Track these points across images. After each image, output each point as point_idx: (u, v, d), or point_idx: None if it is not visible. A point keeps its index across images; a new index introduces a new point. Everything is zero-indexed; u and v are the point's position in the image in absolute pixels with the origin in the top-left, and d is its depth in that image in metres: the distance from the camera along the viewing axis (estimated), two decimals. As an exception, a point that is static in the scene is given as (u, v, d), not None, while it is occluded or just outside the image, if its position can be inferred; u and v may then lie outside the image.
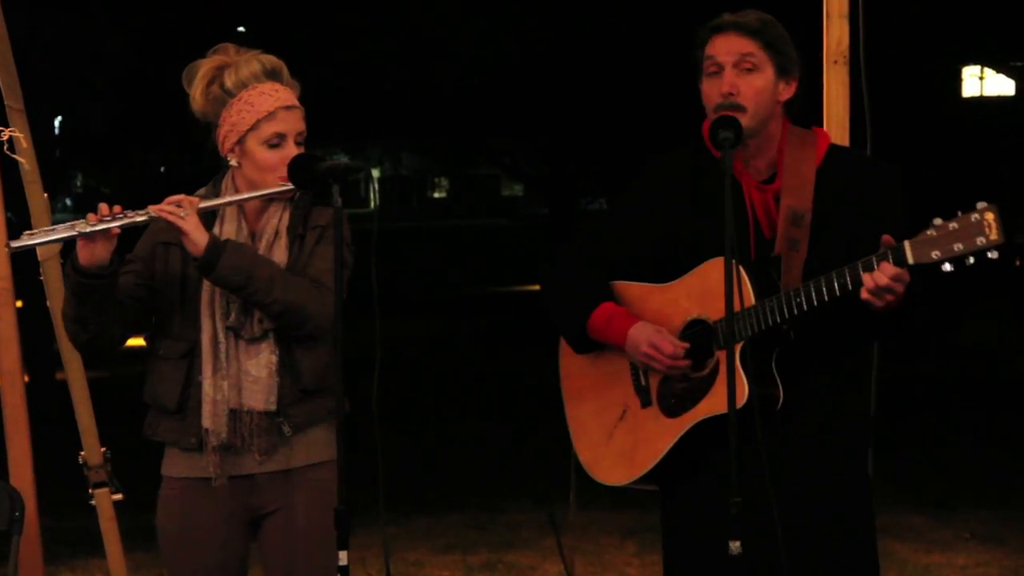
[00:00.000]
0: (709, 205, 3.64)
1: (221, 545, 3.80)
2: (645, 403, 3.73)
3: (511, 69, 17.92)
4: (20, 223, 5.45)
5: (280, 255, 3.75)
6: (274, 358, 3.71)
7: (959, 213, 3.36)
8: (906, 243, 3.39)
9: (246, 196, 3.74)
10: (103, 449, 4.73)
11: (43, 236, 3.65)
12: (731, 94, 3.62)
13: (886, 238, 3.41)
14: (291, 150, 3.73)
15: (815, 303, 3.48)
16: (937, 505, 8.86)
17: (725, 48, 3.65)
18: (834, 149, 3.74)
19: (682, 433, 3.64)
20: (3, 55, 4.52)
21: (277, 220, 3.78)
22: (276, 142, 3.73)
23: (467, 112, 20.41)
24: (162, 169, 20.13)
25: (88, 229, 3.56)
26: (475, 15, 16.78)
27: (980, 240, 3.32)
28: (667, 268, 3.72)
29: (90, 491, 4.75)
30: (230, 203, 3.75)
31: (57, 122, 17.59)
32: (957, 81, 25.21)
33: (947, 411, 13.25)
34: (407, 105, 19.82)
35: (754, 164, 3.69)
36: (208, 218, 3.76)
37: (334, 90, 18.00)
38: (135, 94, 15.50)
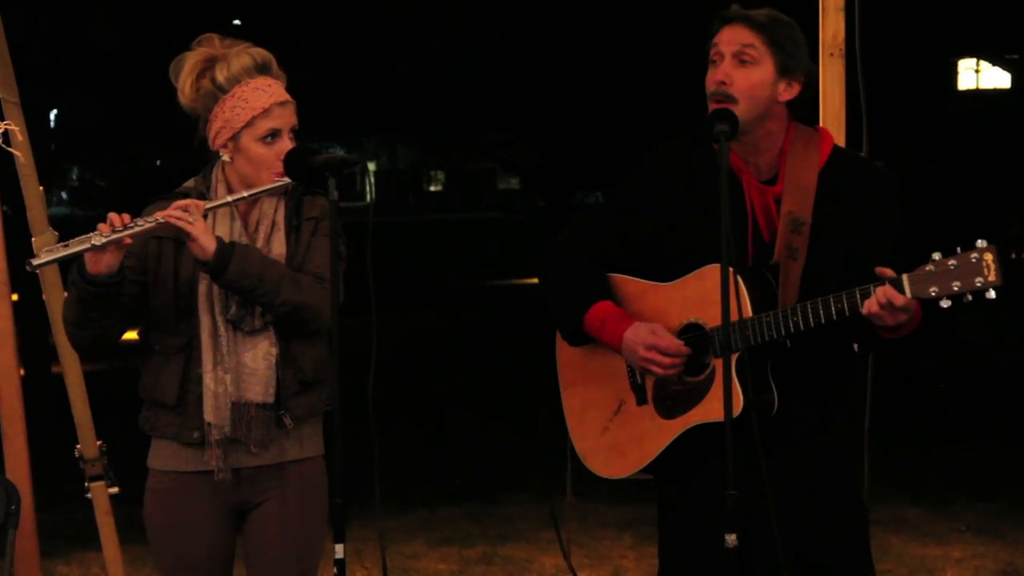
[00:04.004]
0: (705, 199, 3.61)
1: (211, 538, 3.81)
2: (640, 400, 3.72)
3: (507, 63, 17.91)
4: (16, 216, 5.46)
5: (279, 247, 3.75)
6: (274, 350, 3.72)
7: (958, 249, 3.37)
8: (904, 277, 3.39)
9: (246, 194, 3.73)
10: (99, 443, 4.73)
11: (61, 251, 3.63)
12: (724, 83, 3.60)
13: (881, 270, 3.41)
14: (285, 144, 3.74)
15: (812, 324, 3.48)
16: (933, 498, 8.86)
17: (728, 38, 3.63)
18: (837, 152, 3.70)
19: (677, 435, 3.63)
20: (-1, 48, 4.52)
21: (273, 211, 3.78)
22: (271, 138, 3.74)
23: (463, 106, 20.38)
24: (158, 162, 20.08)
25: (103, 241, 3.56)
26: (471, 8, 16.77)
27: (978, 281, 3.33)
28: (659, 257, 3.70)
29: (86, 484, 4.76)
30: (232, 203, 3.73)
31: (53, 115, 17.55)
32: (953, 74, 25.23)
33: (943, 405, 13.24)
34: (403, 99, 19.79)
35: (755, 162, 3.65)
36: None
37: (330, 84, 17.99)
38: (131, 87, 15.46)
